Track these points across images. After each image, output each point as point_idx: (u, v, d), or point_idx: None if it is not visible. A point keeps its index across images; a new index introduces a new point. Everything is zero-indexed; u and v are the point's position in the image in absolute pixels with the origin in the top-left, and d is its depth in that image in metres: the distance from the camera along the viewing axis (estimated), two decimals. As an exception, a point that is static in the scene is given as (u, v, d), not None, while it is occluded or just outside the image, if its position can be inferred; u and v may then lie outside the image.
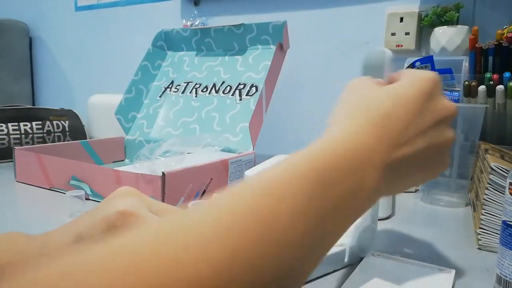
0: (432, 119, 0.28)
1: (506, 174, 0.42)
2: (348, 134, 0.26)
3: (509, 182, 0.33)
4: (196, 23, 1.16)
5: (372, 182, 0.24)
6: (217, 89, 0.91)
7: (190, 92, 0.94)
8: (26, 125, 0.95)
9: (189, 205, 0.38)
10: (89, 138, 1.07)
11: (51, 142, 0.98)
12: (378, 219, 0.55)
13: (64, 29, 1.55)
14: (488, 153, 0.50)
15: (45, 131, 0.98)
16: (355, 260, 0.41)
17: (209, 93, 0.91)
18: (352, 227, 0.42)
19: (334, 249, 0.40)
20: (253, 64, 0.89)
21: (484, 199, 0.44)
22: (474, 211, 0.54)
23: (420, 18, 0.87)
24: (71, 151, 0.82)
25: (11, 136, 0.92)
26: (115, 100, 0.96)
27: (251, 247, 0.18)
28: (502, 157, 0.49)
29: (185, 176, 0.59)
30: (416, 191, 0.69)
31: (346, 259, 0.41)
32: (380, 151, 0.25)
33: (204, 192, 0.63)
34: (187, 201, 0.59)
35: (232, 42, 0.94)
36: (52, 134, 0.99)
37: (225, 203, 0.20)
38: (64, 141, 1.01)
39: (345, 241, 0.42)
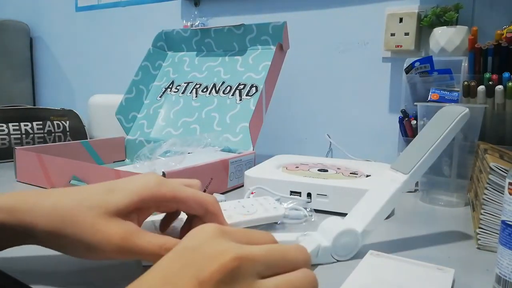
0: None
1: (505, 174, 0.42)
2: None
3: (508, 182, 0.33)
4: (196, 23, 1.16)
5: None
6: (217, 89, 0.91)
7: (191, 92, 0.94)
8: (27, 125, 0.95)
9: None
10: (90, 138, 1.07)
11: (52, 142, 0.98)
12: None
13: (64, 30, 1.55)
14: (487, 153, 0.50)
15: (45, 131, 0.98)
16: (327, 261, 0.41)
17: (209, 93, 0.91)
18: (333, 227, 0.41)
19: (309, 245, 0.39)
20: (253, 65, 0.89)
21: (484, 199, 0.44)
22: (474, 211, 0.54)
23: (420, 19, 0.87)
24: (72, 151, 0.82)
25: (11, 136, 0.92)
26: (115, 100, 0.96)
27: None
28: (501, 157, 0.49)
29: (185, 176, 0.59)
30: (415, 191, 0.69)
31: (317, 256, 0.40)
32: None
33: (204, 192, 0.63)
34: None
35: (232, 42, 0.94)
36: (53, 134, 0.99)
37: None
38: (64, 141, 1.01)
39: (321, 240, 0.41)
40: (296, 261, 0.27)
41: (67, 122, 1.03)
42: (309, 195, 0.58)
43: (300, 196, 0.58)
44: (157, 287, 0.23)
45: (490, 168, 0.43)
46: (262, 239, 0.28)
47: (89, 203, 0.34)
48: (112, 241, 0.32)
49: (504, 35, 0.65)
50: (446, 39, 0.79)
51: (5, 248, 0.37)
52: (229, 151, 0.79)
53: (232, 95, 0.88)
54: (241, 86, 0.88)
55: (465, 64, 0.73)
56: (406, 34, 0.87)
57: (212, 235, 0.26)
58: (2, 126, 0.92)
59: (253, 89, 0.86)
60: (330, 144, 1.01)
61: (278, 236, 0.39)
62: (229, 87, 0.89)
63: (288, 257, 0.27)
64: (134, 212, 0.35)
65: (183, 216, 0.40)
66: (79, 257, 0.35)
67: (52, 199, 0.34)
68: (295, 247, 0.28)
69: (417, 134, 0.66)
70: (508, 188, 0.33)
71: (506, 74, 0.63)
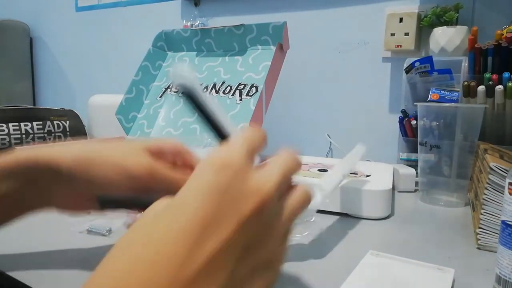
0: (231, 225, 0.22)
1: (505, 174, 0.42)
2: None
3: (509, 182, 0.33)
4: (196, 23, 1.16)
5: None
6: (217, 89, 0.91)
7: (191, 92, 0.94)
8: (27, 125, 0.95)
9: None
10: (90, 138, 1.07)
11: (52, 142, 0.98)
12: (377, 219, 0.55)
13: (64, 30, 1.55)
14: (487, 153, 0.50)
15: (45, 131, 0.98)
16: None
17: (209, 94, 0.91)
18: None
19: None
20: (253, 65, 0.89)
21: (484, 199, 0.44)
22: (474, 211, 0.54)
23: (420, 19, 0.87)
24: (72, 151, 0.82)
25: (11, 136, 0.92)
26: (115, 100, 0.96)
27: None
28: (501, 157, 0.49)
29: (185, 176, 0.59)
30: (415, 191, 0.69)
31: None
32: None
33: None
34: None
35: (232, 42, 0.94)
36: (53, 134, 0.99)
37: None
38: (64, 141, 1.01)
39: None
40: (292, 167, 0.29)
41: (67, 122, 1.03)
42: (309, 195, 0.58)
43: (300, 196, 0.58)
44: (195, 233, 0.21)
45: (490, 168, 0.43)
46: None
47: (121, 143, 0.38)
48: (142, 162, 0.35)
49: (504, 35, 0.65)
50: (446, 39, 0.79)
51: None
52: (229, 151, 0.79)
53: (232, 95, 0.88)
54: (241, 86, 0.88)
55: (465, 64, 0.73)
56: (406, 34, 0.87)
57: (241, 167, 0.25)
58: (2, 126, 0.92)
59: (253, 89, 0.86)
60: (330, 144, 1.02)
61: None
62: (229, 87, 0.89)
63: (290, 172, 0.28)
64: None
65: None
66: (102, 192, 0.35)
67: (78, 144, 0.38)
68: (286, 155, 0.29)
69: (417, 134, 0.66)
70: (508, 188, 0.33)
71: (506, 74, 0.63)
